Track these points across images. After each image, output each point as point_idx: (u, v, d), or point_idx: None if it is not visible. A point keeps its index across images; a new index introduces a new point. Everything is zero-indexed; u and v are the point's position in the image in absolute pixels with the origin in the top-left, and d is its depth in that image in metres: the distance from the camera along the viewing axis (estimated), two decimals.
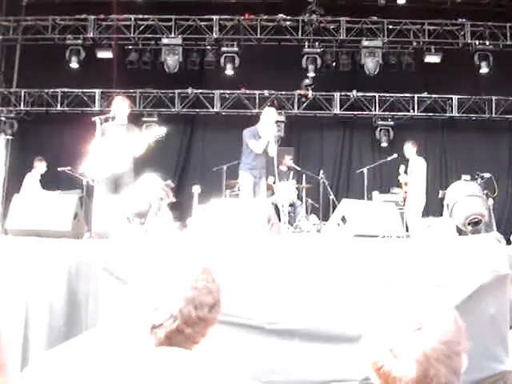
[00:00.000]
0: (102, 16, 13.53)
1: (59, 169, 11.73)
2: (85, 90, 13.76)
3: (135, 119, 8.60)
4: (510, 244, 7.45)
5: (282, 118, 13.32)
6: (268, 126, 8.68)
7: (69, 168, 11.34)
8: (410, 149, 11.11)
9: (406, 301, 1.52)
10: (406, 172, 11.21)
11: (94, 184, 7.50)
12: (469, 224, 5.78)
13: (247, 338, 4.37)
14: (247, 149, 8.73)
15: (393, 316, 1.48)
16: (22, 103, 13.90)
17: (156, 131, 7.95)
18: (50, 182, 11.84)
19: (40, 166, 11.84)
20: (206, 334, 1.65)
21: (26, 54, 14.28)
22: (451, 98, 13.76)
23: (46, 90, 13.81)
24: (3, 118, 13.92)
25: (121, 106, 8.15)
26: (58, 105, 13.84)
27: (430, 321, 1.45)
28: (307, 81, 13.71)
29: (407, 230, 9.69)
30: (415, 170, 10.92)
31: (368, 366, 1.49)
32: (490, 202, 6.44)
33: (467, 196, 5.86)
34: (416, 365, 1.41)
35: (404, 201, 11.25)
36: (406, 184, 11.28)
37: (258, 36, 13.58)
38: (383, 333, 1.46)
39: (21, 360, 4.63)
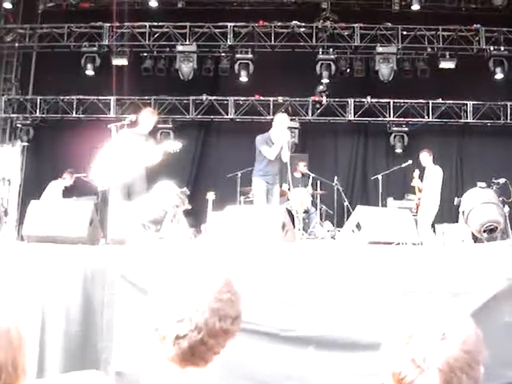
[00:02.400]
0: (117, 23, 13.59)
1: (75, 175, 11.83)
2: (100, 97, 13.84)
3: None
4: None
5: (296, 125, 13.33)
6: (281, 132, 8.69)
7: (84, 175, 11.42)
8: (426, 157, 11.05)
9: (424, 309, 1.51)
10: (420, 177, 11.15)
11: (110, 190, 7.54)
12: (484, 231, 5.76)
13: (261, 345, 4.37)
14: (260, 155, 8.74)
15: (413, 325, 1.47)
16: (37, 110, 14.01)
17: (172, 145, 8.00)
18: (66, 188, 11.91)
19: (68, 179, 11.95)
20: (225, 346, 1.66)
21: (41, 62, 14.41)
22: (466, 104, 13.70)
23: (62, 97, 13.90)
24: (19, 125, 14.04)
25: (149, 119, 8.24)
26: (74, 112, 13.93)
27: (453, 330, 1.44)
28: (321, 87, 13.70)
29: None
30: (431, 177, 10.87)
31: (388, 377, 1.48)
32: (506, 209, 6.41)
33: (483, 203, 5.84)
34: (440, 374, 1.40)
35: (417, 208, 11.19)
36: (419, 190, 11.22)
37: (272, 43, 13.60)
38: (404, 342, 1.45)
39: (37, 365, 4.66)
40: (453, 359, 1.41)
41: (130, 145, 7.81)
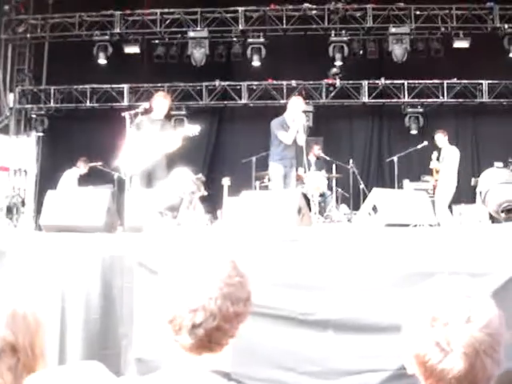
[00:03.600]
0: (128, 11, 13.58)
1: (90, 164, 11.88)
2: (113, 86, 13.87)
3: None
4: None
5: (310, 108, 13.27)
6: (296, 115, 8.66)
7: (100, 163, 11.49)
8: (441, 138, 10.99)
9: (445, 291, 1.50)
10: (438, 159, 11.08)
11: (127, 178, 7.59)
12: (502, 211, 5.70)
13: (281, 329, 4.39)
14: (276, 140, 8.71)
15: (437, 308, 1.46)
16: (51, 100, 14.07)
17: (190, 129, 8.01)
18: (81, 177, 11.98)
19: (82, 167, 11.96)
20: (239, 327, 1.67)
21: (54, 52, 14.42)
22: (481, 84, 13.56)
23: (75, 87, 13.94)
24: (34, 116, 14.12)
25: (161, 103, 8.27)
26: (88, 101, 13.97)
27: (477, 312, 1.44)
28: (334, 70, 13.61)
29: None
30: (447, 158, 10.81)
31: (411, 359, 1.48)
32: None
33: (500, 183, 5.78)
34: (464, 357, 1.40)
35: (434, 189, 11.13)
36: (436, 171, 11.16)
37: (284, 26, 13.49)
38: (428, 325, 1.45)
39: (58, 352, 4.71)
40: (478, 342, 1.41)
41: (148, 132, 7.87)
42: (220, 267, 1.67)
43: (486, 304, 1.48)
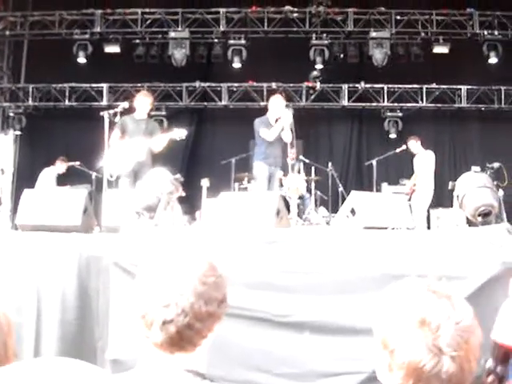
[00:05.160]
0: (108, 10, 13.49)
1: (68, 163, 11.81)
2: (92, 85, 13.77)
3: None
4: None
5: (290, 111, 13.27)
6: (281, 113, 8.66)
7: (78, 163, 11.42)
8: (414, 145, 11.10)
9: (425, 293, 1.50)
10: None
11: (113, 180, 7.57)
12: (479, 215, 5.75)
13: (257, 331, 4.38)
14: (259, 138, 8.68)
15: (423, 311, 1.44)
16: (30, 98, 13.93)
17: (177, 133, 8.00)
18: (59, 176, 11.89)
19: (60, 166, 11.90)
20: (213, 329, 1.66)
21: (33, 50, 14.29)
22: (460, 89, 13.67)
23: (54, 85, 13.81)
24: (12, 114, 13.96)
25: (143, 101, 8.27)
26: (66, 100, 13.85)
27: (461, 313, 1.44)
28: (315, 73, 13.63)
29: None
30: (423, 163, 10.88)
31: (399, 366, 1.44)
32: (501, 193, 6.39)
33: (477, 187, 5.83)
34: (457, 360, 1.40)
35: (411, 193, 11.16)
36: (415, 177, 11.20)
37: (266, 28, 13.47)
38: (417, 329, 1.43)
39: (33, 353, 4.67)
40: (466, 343, 1.41)
41: (133, 132, 7.87)
42: (196, 266, 1.67)
43: (464, 304, 1.48)
